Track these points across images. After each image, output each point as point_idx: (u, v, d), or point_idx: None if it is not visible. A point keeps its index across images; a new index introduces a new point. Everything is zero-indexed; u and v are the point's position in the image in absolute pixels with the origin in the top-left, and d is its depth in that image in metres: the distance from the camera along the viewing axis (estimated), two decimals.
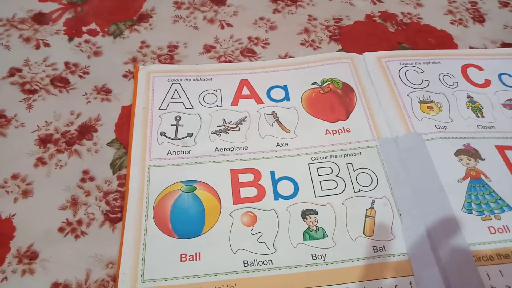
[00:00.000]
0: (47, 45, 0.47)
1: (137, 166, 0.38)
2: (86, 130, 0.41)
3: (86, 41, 0.48)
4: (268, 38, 0.49)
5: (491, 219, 0.35)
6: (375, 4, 0.54)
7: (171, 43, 0.48)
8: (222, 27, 0.50)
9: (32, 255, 0.33)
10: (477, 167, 0.38)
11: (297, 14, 0.52)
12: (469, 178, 0.37)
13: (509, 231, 0.34)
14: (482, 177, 0.37)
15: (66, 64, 0.45)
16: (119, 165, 0.38)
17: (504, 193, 0.36)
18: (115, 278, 0.32)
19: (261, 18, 0.51)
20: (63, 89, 0.43)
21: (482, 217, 0.35)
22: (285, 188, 0.37)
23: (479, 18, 0.53)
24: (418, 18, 0.52)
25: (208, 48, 0.48)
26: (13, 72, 0.44)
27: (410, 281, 0.32)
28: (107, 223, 0.35)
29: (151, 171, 0.38)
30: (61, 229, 0.35)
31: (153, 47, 0.48)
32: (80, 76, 0.45)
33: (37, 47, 0.47)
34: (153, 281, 0.32)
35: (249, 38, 0.49)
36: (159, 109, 0.42)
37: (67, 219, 0.35)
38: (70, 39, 0.48)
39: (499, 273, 0.32)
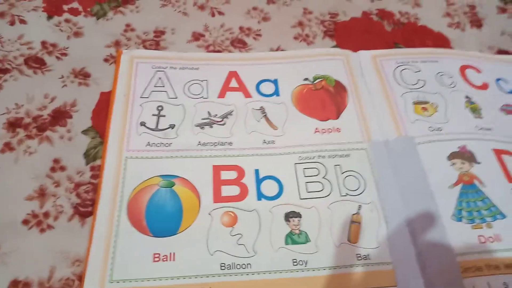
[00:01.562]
0: (23, 22, 0.44)
1: (113, 157, 0.35)
2: (60, 116, 0.38)
3: (67, 21, 0.45)
4: (260, 30, 0.47)
5: (482, 227, 0.34)
6: (372, 1, 0.52)
7: (157, 28, 0.45)
8: (213, 15, 0.48)
9: None
10: (471, 171, 0.36)
11: (292, 6, 0.50)
12: (461, 184, 0.36)
13: (501, 241, 0.33)
14: (476, 182, 0.36)
15: (43, 43, 0.43)
16: (94, 155, 0.36)
17: (498, 200, 0.35)
18: (81, 277, 0.30)
19: (254, 8, 0.49)
20: (38, 70, 0.41)
21: (472, 225, 0.34)
22: (269, 188, 0.35)
23: (477, 23, 0.52)
24: (416, 18, 0.51)
25: (196, 36, 0.46)
26: None
27: None
28: (77, 217, 0.33)
29: (127, 163, 0.35)
30: (25, 221, 0.32)
31: (138, 31, 0.45)
32: (57, 58, 0.42)
33: (12, 23, 0.43)
34: (122, 282, 0.30)
35: (241, 28, 0.47)
36: (141, 97, 0.40)
37: (33, 210, 0.33)
38: (49, 17, 0.45)
39: (487, 285, 0.31)
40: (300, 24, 0.48)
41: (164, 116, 0.39)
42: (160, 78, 0.41)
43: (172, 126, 0.38)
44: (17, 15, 0.44)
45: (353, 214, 0.34)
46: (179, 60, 0.43)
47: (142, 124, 0.38)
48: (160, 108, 0.39)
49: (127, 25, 0.45)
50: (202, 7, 0.48)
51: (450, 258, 0.32)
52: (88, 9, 0.46)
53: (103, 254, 0.31)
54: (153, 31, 0.45)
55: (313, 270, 0.31)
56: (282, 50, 0.45)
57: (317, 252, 0.32)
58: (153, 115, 0.39)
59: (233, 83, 0.42)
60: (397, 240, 0.33)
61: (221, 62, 0.43)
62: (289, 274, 0.31)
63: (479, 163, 0.37)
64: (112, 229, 0.32)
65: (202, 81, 0.41)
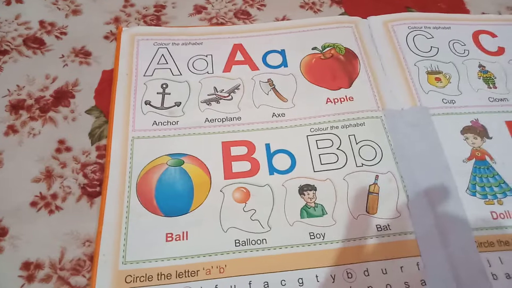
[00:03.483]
0: (19, 1, 0.42)
1: (119, 137, 0.34)
2: (63, 96, 0.37)
3: None
4: None
5: (494, 203, 0.33)
6: None
7: (158, 3, 0.44)
8: None
9: (0, 232, 0.30)
10: (482, 148, 0.35)
11: None
12: (474, 159, 0.35)
13: (511, 217, 0.32)
14: (487, 158, 0.35)
15: (41, 23, 0.41)
16: (99, 135, 0.35)
17: (508, 177, 0.34)
18: (92, 257, 0.29)
19: None
20: (38, 51, 0.39)
21: (485, 201, 0.33)
22: (281, 162, 0.34)
23: None
24: None
25: (198, 9, 0.44)
26: None
27: (417, 262, 0.29)
28: (85, 198, 0.32)
29: (134, 143, 0.34)
30: (33, 204, 0.31)
31: (138, 6, 0.43)
32: (56, 37, 0.40)
33: (8, 3, 0.42)
34: (136, 263, 0.29)
35: None
36: (144, 75, 0.38)
37: (40, 192, 0.32)
38: None
39: (499, 260, 0.30)
40: None
41: (169, 94, 0.37)
42: (163, 55, 0.40)
43: (178, 104, 0.37)
44: None
45: (371, 185, 0.33)
46: (181, 35, 0.41)
47: (147, 103, 0.36)
48: (164, 86, 0.38)
49: (126, 1, 0.44)
50: None
51: (467, 232, 0.31)
52: None
53: (115, 236, 0.30)
54: (153, 6, 0.43)
55: (331, 243, 0.30)
56: (288, 19, 0.43)
57: (334, 224, 0.31)
58: (158, 93, 0.37)
59: (239, 56, 0.40)
60: (418, 210, 0.32)
61: (225, 35, 0.42)
62: (306, 248, 0.30)
63: (490, 138, 0.36)
64: (122, 212, 0.31)
65: (206, 56, 0.40)
